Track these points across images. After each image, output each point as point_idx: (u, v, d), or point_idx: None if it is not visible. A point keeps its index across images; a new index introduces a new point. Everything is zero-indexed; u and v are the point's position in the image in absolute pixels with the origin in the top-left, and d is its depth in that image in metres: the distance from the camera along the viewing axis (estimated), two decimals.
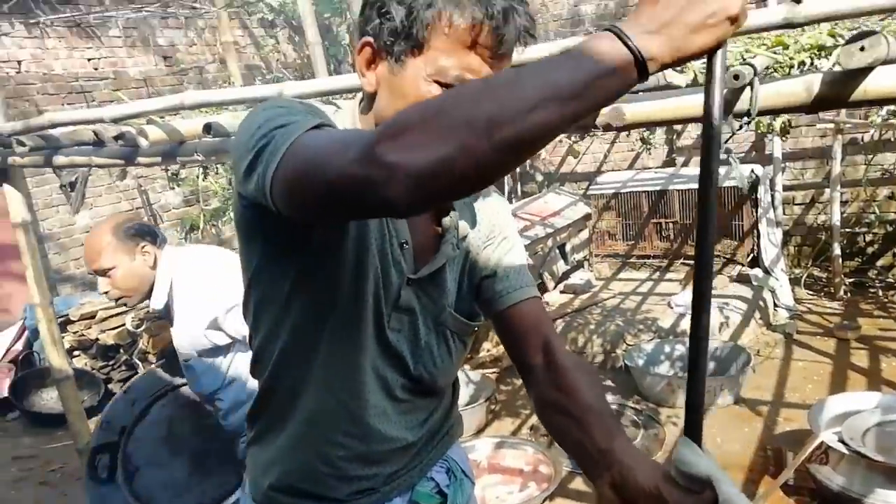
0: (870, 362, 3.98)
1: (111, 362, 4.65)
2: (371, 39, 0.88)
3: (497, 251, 1.08)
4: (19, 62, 5.23)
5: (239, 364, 2.03)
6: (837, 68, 1.03)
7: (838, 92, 0.99)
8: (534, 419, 3.74)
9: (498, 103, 0.63)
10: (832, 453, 2.62)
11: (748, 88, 1.07)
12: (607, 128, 1.29)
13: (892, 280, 5.29)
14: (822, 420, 2.79)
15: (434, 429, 1.13)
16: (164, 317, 2.11)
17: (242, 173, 0.80)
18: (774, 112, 1.06)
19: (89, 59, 5.65)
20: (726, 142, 1.10)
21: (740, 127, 1.04)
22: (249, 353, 1.05)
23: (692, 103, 1.14)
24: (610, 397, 3.91)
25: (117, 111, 2.22)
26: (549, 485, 2.90)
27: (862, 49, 0.92)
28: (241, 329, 1.89)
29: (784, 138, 2.58)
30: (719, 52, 0.70)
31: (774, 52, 1.41)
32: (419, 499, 1.11)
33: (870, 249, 5.46)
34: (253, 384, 1.11)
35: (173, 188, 4.58)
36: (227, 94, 1.96)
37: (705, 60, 0.72)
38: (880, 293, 5.10)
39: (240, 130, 0.84)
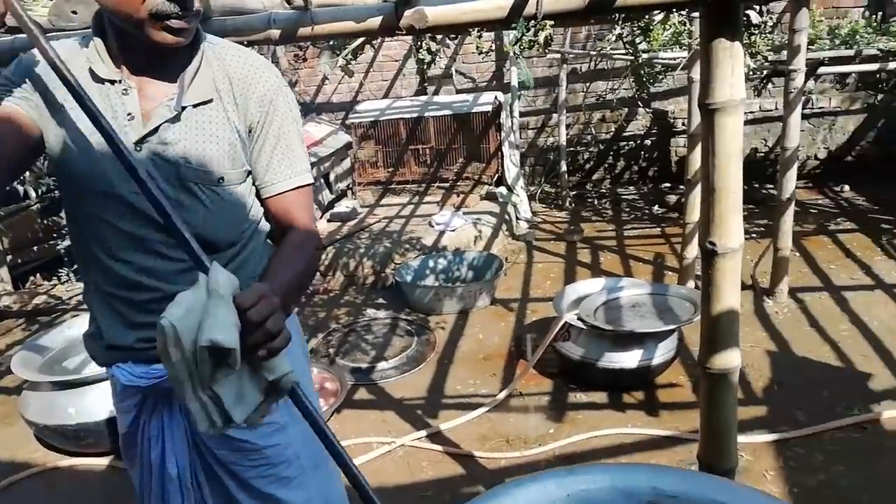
0: (591, 258, 4.77)
1: None
2: None
3: (265, 144, 1.19)
4: None
5: None
6: None
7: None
8: (313, 343, 3.82)
9: None
10: (573, 330, 3.14)
11: None
12: (410, 30, 1.36)
13: (604, 191, 6.31)
14: (563, 305, 3.30)
15: None
16: None
17: None
18: (556, 16, 1.22)
19: None
20: (516, 43, 1.21)
21: (528, 29, 1.18)
22: None
23: (490, 5, 1.25)
24: (382, 313, 4.15)
25: None
26: (336, 399, 3.03)
27: None
28: None
29: (544, 52, 2.93)
30: None
31: None
32: None
33: (587, 166, 6.41)
34: None
35: None
36: None
37: None
38: (596, 202, 6.06)
39: None
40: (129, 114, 1.11)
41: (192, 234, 1.06)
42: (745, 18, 2.16)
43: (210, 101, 1.14)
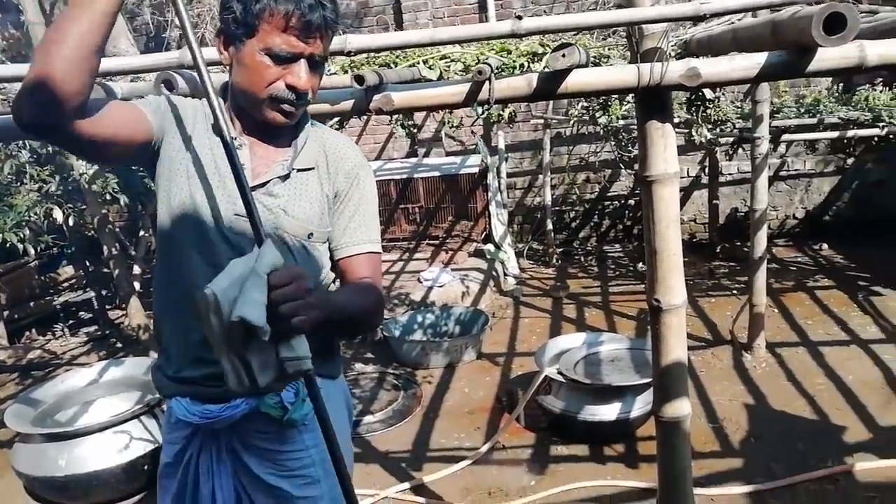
0: (577, 313, 4.89)
1: None
2: (223, 28, 1.22)
3: (345, 210, 1.36)
4: None
5: None
6: (547, 70, 1.40)
7: (549, 87, 1.36)
8: None
9: (47, 43, 1.03)
10: (554, 384, 3.24)
11: (487, 82, 1.39)
12: (379, 112, 1.53)
13: (590, 248, 6.48)
14: (545, 360, 3.41)
15: None
16: None
17: None
18: (506, 101, 1.39)
19: None
20: (471, 125, 1.39)
21: (483, 112, 1.34)
22: None
23: (448, 92, 1.43)
24: (370, 367, 4.23)
25: None
26: None
27: (563, 56, 1.29)
28: None
29: (510, 127, 3.14)
30: None
31: (501, 56, 1.80)
32: (263, 407, 1.28)
33: (573, 224, 6.61)
34: None
35: None
36: None
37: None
38: (582, 259, 6.23)
39: None
40: (241, 164, 1.24)
41: None
42: (700, 92, 2.35)
43: (312, 168, 1.33)
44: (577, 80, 1.34)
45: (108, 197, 4.17)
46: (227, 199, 1.27)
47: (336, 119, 2.11)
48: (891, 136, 3.88)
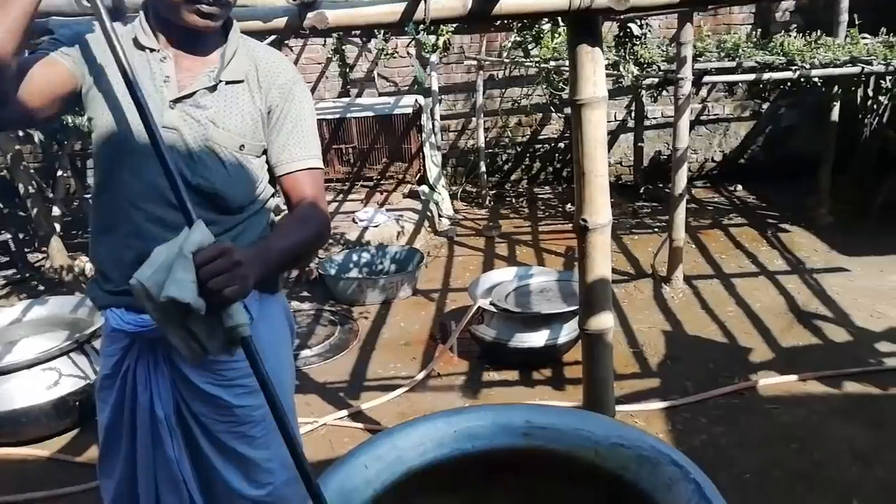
0: (508, 251, 5.04)
1: None
2: None
3: (283, 127, 1.35)
4: None
5: None
6: None
7: (484, 8, 1.40)
8: None
9: None
10: (486, 314, 3.37)
11: (423, 2, 1.40)
12: (313, 30, 1.52)
13: (521, 190, 6.61)
14: (478, 292, 3.53)
15: None
16: None
17: None
18: (441, 21, 1.42)
19: None
20: (407, 45, 1.40)
21: (418, 32, 1.36)
22: None
23: (384, 10, 1.44)
24: (307, 305, 4.26)
25: None
26: None
27: None
28: None
29: (444, 54, 3.16)
30: None
31: None
32: None
33: (506, 167, 6.71)
34: None
35: None
36: None
37: None
38: (514, 201, 6.37)
39: None
40: (166, 77, 1.27)
41: (210, 191, 1.24)
42: (627, 30, 2.43)
43: (241, 81, 1.31)
44: (511, 1, 1.38)
45: (20, 134, 3.95)
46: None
47: (268, 41, 2.08)
48: (801, 80, 4.11)
